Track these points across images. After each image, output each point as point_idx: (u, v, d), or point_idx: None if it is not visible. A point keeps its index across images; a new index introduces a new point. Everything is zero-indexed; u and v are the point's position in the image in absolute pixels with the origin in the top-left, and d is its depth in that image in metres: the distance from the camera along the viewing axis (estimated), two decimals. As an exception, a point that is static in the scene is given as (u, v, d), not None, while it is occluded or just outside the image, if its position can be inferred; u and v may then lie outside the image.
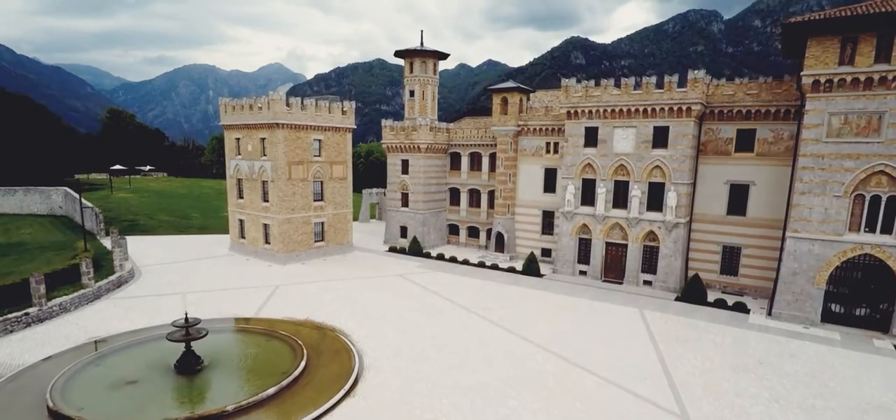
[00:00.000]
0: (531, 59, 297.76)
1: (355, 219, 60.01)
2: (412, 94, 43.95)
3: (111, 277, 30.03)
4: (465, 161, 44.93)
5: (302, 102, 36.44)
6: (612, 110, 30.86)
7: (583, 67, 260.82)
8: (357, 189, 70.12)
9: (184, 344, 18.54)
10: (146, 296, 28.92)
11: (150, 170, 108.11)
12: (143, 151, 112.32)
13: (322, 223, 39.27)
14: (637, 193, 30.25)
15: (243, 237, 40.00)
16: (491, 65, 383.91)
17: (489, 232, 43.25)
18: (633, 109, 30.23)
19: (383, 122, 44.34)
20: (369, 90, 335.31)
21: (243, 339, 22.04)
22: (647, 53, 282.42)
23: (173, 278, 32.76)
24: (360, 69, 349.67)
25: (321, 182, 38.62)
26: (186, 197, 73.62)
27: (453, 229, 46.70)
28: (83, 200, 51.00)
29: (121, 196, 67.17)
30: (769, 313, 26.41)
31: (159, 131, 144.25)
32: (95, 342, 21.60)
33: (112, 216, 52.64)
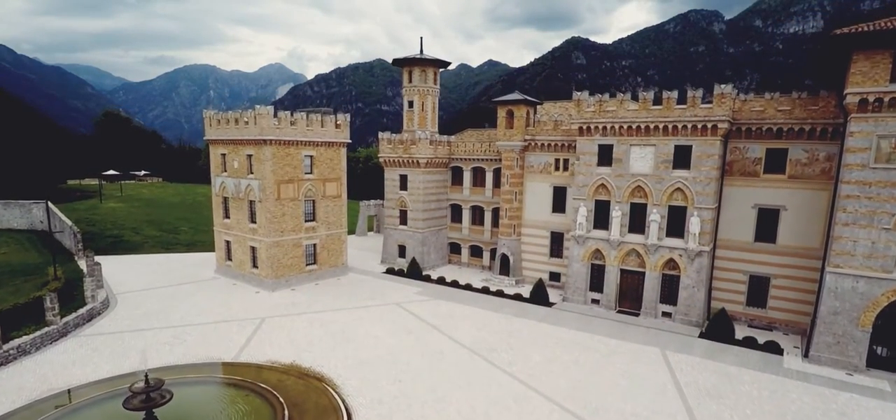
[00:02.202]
0: (532, 60, 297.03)
1: (351, 232, 57.38)
2: (411, 104, 41.25)
3: (81, 311, 27.47)
4: (467, 176, 42.31)
5: (291, 116, 33.77)
6: (629, 127, 28.23)
7: (584, 67, 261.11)
8: (356, 197, 67.32)
9: (144, 411, 15.95)
10: (119, 332, 26.39)
11: (144, 174, 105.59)
12: (139, 154, 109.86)
13: (314, 245, 36.60)
14: (656, 218, 27.60)
15: (230, 259, 37.39)
16: (491, 65, 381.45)
17: (493, 252, 40.58)
18: (652, 126, 27.60)
19: (380, 134, 41.56)
20: (370, 90, 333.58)
21: (217, 396, 19.46)
22: (648, 54, 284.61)
23: (151, 308, 30.18)
24: (360, 69, 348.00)
25: (313, 201, 35.95)
26: (178, 206, 71.11)
27: (455, 248, 44.08)
28: (62, 216, 48.45)
29: (110, 206, 64.67)
30: (806, 355, 23.79)
31: (155, 133, 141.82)
32: (53, 396, 19.06)
33: (96, 231, 50.10)
